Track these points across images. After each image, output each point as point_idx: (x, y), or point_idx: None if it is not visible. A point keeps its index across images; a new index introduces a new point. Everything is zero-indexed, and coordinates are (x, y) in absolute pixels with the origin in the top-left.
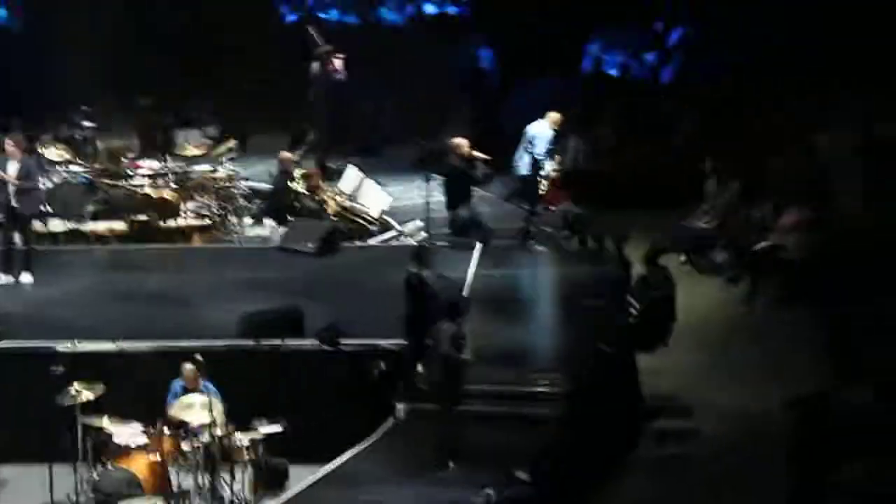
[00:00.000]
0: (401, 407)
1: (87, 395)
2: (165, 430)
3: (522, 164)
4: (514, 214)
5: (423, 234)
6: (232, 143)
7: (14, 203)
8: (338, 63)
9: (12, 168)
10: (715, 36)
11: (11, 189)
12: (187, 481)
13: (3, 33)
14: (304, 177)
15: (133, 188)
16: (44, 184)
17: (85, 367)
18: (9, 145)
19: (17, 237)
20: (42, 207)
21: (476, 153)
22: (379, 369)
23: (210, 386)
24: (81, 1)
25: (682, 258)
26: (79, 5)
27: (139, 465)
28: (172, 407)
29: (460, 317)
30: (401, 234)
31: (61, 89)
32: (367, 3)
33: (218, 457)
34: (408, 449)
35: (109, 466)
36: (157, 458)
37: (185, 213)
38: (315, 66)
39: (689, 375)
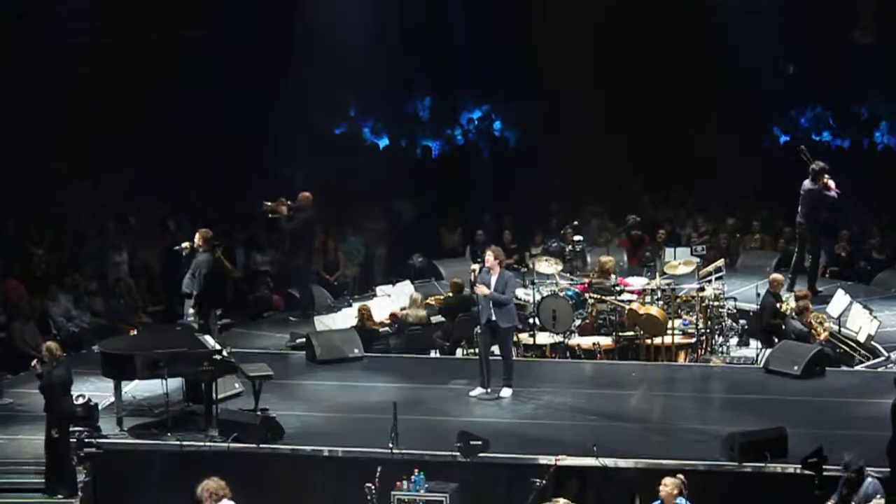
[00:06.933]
0: None
1: None
2: None
3: None
4: None
5: None
6: (720, 262)
7: (492, 316)
8: (831, 182)
9: (493, 280)
10: None
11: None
12: None
13: (502, 145)
14: (796, 299)
15: (621, 304)
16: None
17: (566, 480)
18: (489, 259)
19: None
20: (517, 322)
21: None
22: None
23: None
24: (582, 124)
25: None
26: (578, 127)
27: None
28: None
29: None
30: (888, 360)
31: (551, 202)
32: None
33: None
34: None
35: None
36: None
37: (671, 330)
38: (807, 183)
39: None
